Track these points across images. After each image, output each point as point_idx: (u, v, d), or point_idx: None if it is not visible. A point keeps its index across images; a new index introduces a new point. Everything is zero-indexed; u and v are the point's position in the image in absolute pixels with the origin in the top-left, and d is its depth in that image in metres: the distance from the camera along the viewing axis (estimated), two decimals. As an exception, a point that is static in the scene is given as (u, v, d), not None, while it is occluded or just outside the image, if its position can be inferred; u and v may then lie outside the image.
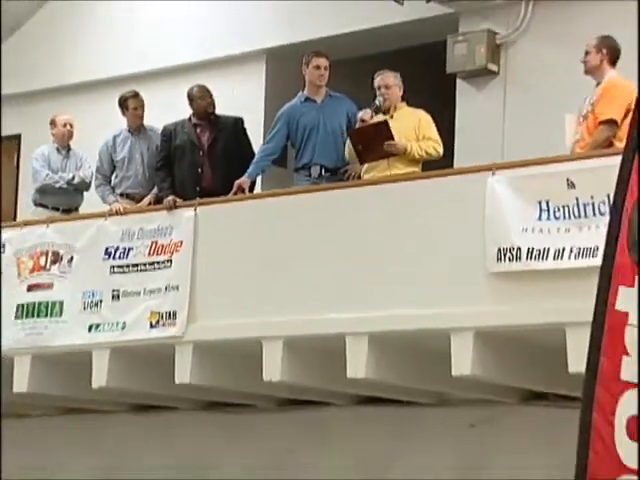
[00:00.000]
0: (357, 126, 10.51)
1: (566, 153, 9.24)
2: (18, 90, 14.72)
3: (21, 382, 11.01)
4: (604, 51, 9.45)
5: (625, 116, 9.17)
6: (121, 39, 14.06)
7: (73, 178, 12.35)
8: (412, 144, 10.18)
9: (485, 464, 10.70)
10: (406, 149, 10.15)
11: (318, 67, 10.89)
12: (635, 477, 7.45)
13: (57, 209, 12.20)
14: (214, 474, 12.06)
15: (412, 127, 10.34)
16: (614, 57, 9.48)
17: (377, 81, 10.51)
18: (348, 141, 10.55)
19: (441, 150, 10.33)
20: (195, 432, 12.22)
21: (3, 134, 14.78)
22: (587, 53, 9.52)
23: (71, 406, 12.50)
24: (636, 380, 7.53)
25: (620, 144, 9.07)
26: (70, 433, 13.00)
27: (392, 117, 10.39)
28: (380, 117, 10.41)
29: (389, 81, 10.48)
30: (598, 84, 9.53)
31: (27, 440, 13.24)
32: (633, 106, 9.07)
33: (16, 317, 11.05)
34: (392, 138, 10.17)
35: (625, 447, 7.42)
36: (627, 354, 7.51)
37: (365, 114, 10.44)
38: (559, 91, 9.58)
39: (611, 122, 9.27)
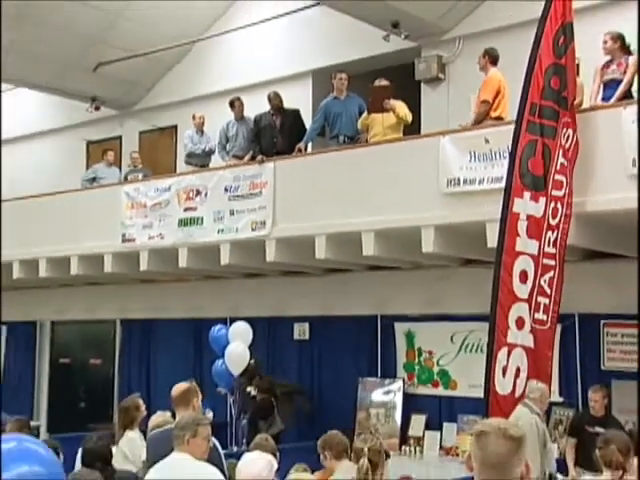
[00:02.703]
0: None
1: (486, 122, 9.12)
2: (174, 99, 14.70)
3: (182, 261, 11.03)
4: (487, 57, 9.26)
5: (496, 96, 9.07)
6: (228, 68, 14.01)
7: (205, 148, 12.39)
8: (398, 106, 10.00)
9: (442, 302, 10.80)
10: (395, 108, 9.97)
11: (341, 79, 10.76)
12: (521, 304, 7.51)
13: (197, 165, 12.22)
14: (289, 311, 12.17)
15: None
16: (494, 60, 9.26)
17: (376, 84, 10.35)
18: (359, 119, 10.44)
19: (410, 117, 10.15)
20: (277, 288, 12.33)
21: (167, 125, 14.92)
22: (479, 59, 9.36)
23: (207, 274, 12.41)
24: (523, 249, 7.55)
25: (495, 113, 9.08)
26: (210, 292, 13.09)
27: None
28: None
29: (382, 83, 10.30)
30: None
31: (186, 293, 13.38)
32: (502, 89, 9.03)
33: (178, 226, 11.01)
34: (390, 99, 10.01)
35: (517, 288, 7.53)
36: (519, 236, 7.57)
37: None
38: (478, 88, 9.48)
39: (485, 101, 9.10)
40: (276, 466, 4.47)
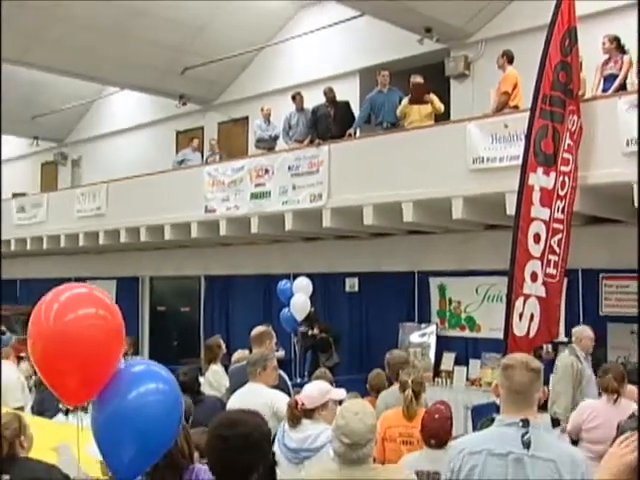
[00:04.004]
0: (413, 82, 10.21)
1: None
2: (246, 95, 14.61)
3: (254, 228, 10.97)
4: (505, 57, 9.17)
5: (513, 89, 8.95)
6: (290, 69, 13.87)
7: (272, 134, 12.30)
8: (433, 99, 9.97)
9: (468, 260, 10.68)
10: (433, 101, 9.92)
11: (383, 75, 10.63)
12: (535, 261, 7.34)
13: (265, 149, 12.14)
14: (341, 268, 12.10)
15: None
16: (510, 59, 9.15)
17: (412, 80, 10.23)
18: (399, 107, 10.23)
19: (442, 108, 10.10)
20: (331, 249, 12.19)
21: (240, 116, 14.81)
22: (498, 59, 9.25)
23: (274, 238, 12.33)
24: (537, 216, 7.39)
25: (512, 102, 8.94)
26: (276, 253, 13.01)
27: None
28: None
29: (418, 80, 10.20)
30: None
31: (256, 254, 13.32)
32: (518, 83, 8.90)
33: (250, 199, 10.97)
34: (428, 93, 9.99)
35: (532, 247, 7.41)
36: (533, 204, 7.41)
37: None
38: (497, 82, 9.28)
39: (506, 92, 8.98)
40: (336, 396, 4.41)
